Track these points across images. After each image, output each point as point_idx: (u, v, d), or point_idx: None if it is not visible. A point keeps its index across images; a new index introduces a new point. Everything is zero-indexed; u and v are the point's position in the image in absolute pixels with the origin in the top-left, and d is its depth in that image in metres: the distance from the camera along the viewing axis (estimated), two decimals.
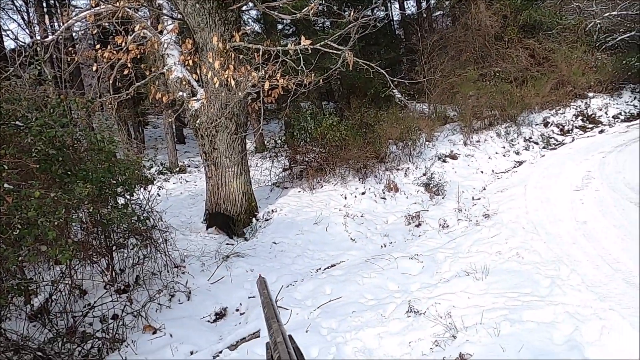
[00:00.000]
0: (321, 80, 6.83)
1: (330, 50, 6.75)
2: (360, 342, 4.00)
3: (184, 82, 7.48)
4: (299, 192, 8.94)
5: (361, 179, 9.17)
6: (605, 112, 14.87)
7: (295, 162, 9.84)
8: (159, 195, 6.09)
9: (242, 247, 6.80)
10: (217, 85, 6.87)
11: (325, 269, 6.29)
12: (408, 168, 10.05)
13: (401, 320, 4.24)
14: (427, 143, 11.43)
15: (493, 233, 6.30)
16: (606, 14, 16.78)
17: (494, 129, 12.89)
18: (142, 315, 4.62)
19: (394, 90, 12.67)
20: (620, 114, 14.97)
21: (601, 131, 13.97)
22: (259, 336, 4.47)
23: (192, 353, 4.31)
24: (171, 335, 4.49)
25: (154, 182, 6.18)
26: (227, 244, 6.89)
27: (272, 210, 8.14)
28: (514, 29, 15.22)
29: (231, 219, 7.55)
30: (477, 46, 15.11)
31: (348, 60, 6.58)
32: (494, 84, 14.02)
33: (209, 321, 5.04)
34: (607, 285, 4.35)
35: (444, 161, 10.87)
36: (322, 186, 9.03)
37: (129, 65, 7.47)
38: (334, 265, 6.40)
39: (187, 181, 10.79)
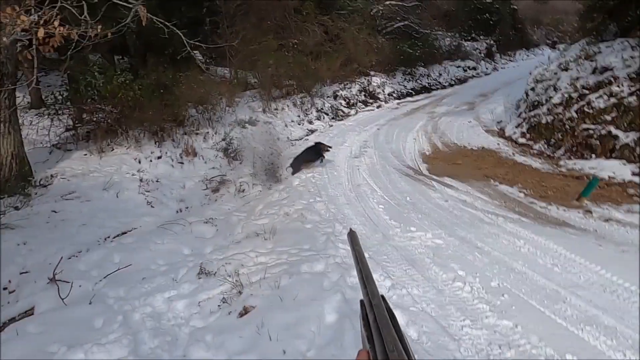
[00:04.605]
0: (109, 34, 6.21)
1: (120, 2, 6.19)
2: (149, 308, 4.00)
3: None
4: (86, 155, 8.13)
5: (157, 143, 8.80)
6: (383, 90, 17.17)
7: (81, 121, 8.83)
8: None
9: (12, 217, 5.93)
10: None
11: (115, 237, 5.98)
12: (207, 133, 10.02)
13: (192, 282, 4.37)
14: (227, 108, 11.51)
15: (283, 196, 6.85)
16: (387, 2, 19.15)
17: (290, 99, 13.70)
18: None
19: (195, 52, 12.28)
20: (394, 92, 17.49)
21: (379, 106, 16.16)
22: (32, 314, 4.08)
23: None
24: None
25: None
26: None
27: (52, 175, 7.25)
28: (311, 5, 16.16)
29: None
30: (277, 17, 15.61)
31: (141, 15, 6.14)
32: (292, 55, 14.75)
33: None
34: (370, 238, 5.23)
35: (244, 127, 11.14)
36: (113, 149, 8.38)
37: None
38: (125, 233, 6.13)
39: None
